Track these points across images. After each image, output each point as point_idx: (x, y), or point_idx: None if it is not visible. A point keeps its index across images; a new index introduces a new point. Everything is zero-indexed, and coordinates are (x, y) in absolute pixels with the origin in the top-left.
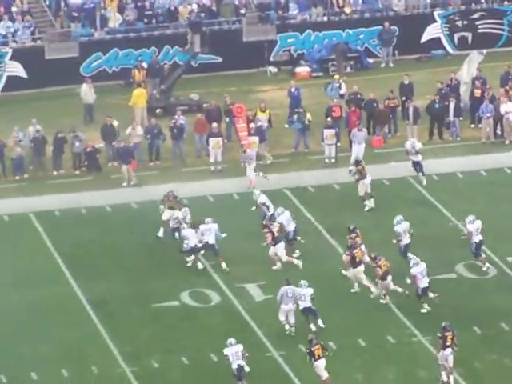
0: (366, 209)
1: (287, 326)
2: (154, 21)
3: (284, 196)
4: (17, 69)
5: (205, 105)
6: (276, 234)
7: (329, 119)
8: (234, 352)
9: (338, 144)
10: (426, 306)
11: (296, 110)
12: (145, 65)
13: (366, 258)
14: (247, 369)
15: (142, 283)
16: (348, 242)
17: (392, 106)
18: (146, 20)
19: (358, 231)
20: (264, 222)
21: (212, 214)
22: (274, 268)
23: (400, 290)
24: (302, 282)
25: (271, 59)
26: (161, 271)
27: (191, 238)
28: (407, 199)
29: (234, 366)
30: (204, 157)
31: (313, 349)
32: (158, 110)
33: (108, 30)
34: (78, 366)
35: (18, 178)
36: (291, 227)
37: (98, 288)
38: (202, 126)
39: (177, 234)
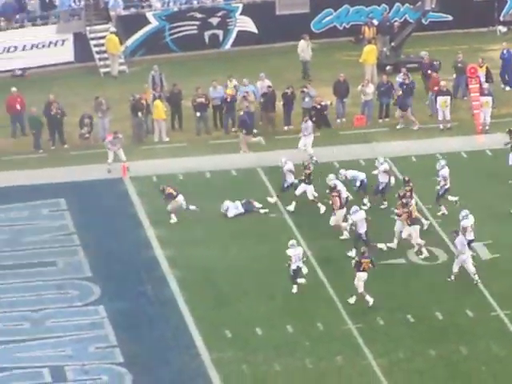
0: None
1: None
2: None
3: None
4: (247, 24)
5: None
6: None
7: None
8: (297, 254)
9: None
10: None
11: None
12: (375, 22)
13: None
14: (305, 270)
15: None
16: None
17: None
18: None
19: (411, 184)
20: (332, 185)
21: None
22: (342, 238)
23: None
24: None
25: (501, 19)
26: (385, 227)
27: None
28: None
29: (294, 267)
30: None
31: (363, 260)
32: (387, 67)
33: None
34: (303, 322)
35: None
36: (362, 176)
37: (325, 244)
38: (434, 84)
39: None
